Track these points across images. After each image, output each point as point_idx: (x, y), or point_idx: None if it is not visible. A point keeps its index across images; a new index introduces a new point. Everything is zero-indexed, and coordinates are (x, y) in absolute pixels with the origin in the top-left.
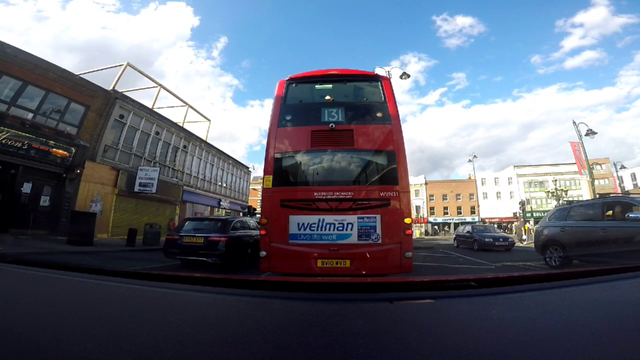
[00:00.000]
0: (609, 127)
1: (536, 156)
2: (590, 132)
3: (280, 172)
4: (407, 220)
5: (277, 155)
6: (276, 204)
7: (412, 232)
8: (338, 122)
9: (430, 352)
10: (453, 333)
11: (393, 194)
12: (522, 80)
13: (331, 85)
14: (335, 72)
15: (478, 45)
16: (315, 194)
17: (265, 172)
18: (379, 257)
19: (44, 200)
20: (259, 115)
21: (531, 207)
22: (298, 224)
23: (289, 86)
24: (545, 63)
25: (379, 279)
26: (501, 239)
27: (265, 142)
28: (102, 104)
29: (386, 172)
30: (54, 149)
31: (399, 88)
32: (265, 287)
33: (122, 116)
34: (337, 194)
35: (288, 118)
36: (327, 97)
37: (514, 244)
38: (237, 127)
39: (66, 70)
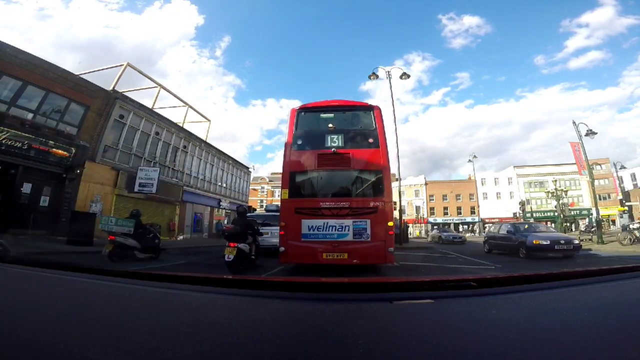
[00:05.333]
0: (610, 127)
1: (538, 156)
2: (590, 133)
3: (294, 186)
4: (390, 224)
5: (292, 173)
6: (292, 211)
7: (394, 232)
8: (338, 146)
9: (430, 352)
10: (453, 333)
11: (380, 203)
12: (525, 80)
13: (333, 115)
14: (336, 103)
15: (483, 45)
16: (321, 203)
17: (283, 186)
18: (368, 251)
19: (44, 201)
20: (261, 115)
21: (531, 208)
22: (308, 226)
23: (299, 114)
24: (549, 63)
25: (379, 279)
26: (562, 241)
27: (265, 142)
28: (102, 104)
29: (375, 187)
30: (54, 149)
31: (402, 88)
32: (265, 287)
33: (122, 116)
34: (338, 203)
35: (299, 143)
36: (330, 125)
37: (580, 247)
38: (239, 127)
39: (66, 70)
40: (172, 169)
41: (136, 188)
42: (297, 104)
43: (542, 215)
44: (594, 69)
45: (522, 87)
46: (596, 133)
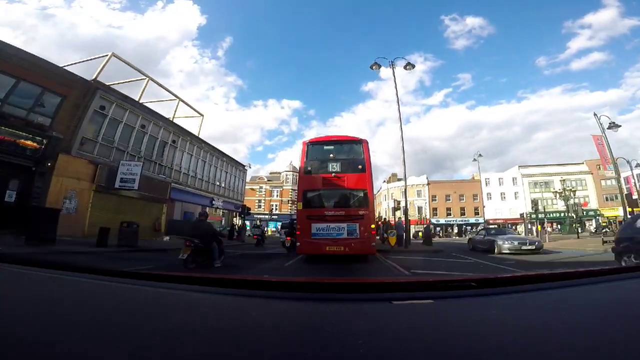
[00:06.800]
0: (611, 129)
1: (539, 158)
2: (614, 126)
3: (306, 200)
4: (372, 226)
5: (304, 191)
6: (304, 217)
7: (375, 232)
8: (337, 171)
9: (431, 352)
10: (453, 333)
11: (365, 212)
12: (527, 81)
13: (333, 147)
14: (336, 138)
15: (485, 46)
16: (325, 212)
17: (299, 200)
18: (358, 245)
19: (10, 196)
20: (262, 116)
21: (539, 209)
22: (316, 228)
23: (308, 146)
24: (550, 64)
25: (379, 279)
26: None
27: (266, 142)
28: (80, 94)
29: (362, 201)
30: (22, 140)
31: (403, 89)
32: (264, 287)
33: (103, 107)
34: (336, 212)
35: (309, 169)
36: (331, 155)
37: None
38: (240, 127)
39: (40, 57)
40: (159, 164)
41: (117, 184)
42: (298, 105)
43: (550, 216)
44: (596, 71)
45: (524, 88)
46: (620, 126)
